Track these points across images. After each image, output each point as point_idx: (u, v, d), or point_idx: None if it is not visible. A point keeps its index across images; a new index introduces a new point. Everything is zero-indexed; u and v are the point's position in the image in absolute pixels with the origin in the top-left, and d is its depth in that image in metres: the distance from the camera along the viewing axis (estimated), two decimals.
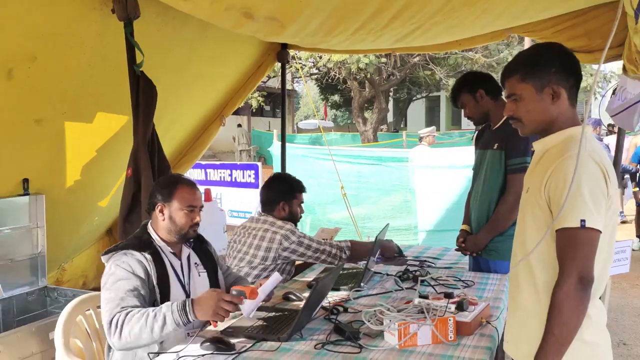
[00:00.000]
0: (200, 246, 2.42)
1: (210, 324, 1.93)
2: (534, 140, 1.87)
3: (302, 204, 3.11)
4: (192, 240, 2.36)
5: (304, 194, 3.10)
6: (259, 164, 8.13)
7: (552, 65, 1.68)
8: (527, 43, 6.88)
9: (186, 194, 2.25)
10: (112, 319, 1.99)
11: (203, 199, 2.39)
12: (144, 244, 2.21)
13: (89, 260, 4.68)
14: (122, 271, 2.09)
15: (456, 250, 3.18)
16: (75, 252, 4.51)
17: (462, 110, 3.16)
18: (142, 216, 2.93)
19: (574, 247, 1.55)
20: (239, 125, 20.20)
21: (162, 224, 2.25)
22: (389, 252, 3.24)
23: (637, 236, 7.21)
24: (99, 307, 2.43)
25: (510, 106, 1.77)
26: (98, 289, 2.83)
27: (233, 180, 7.97)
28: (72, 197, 3.84)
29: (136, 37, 2.91)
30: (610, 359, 1.70)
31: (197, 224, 2.28)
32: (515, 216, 2.78)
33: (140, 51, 2.96)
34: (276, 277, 2.14)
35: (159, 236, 2.27)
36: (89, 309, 2.39)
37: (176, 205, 2.23)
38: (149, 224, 2.31)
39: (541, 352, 1.58)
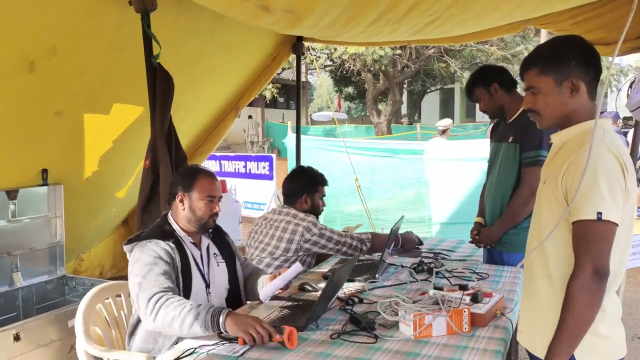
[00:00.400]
0: (219, 237, 2.46)
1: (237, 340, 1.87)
2: (549, 133, 1.86)
3: (324, 197, 3.13)
4: (210, 230, 2.39)
5: (325, 187, 3.12)
6: (274, 155, 8.15)
7: (572, 58, 1.67)
8: (544, 35, 6.81)
9: (206, 184, 2.29)
10: (153, 297, 2.01)
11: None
12: (167, 233, 2.24)
13: (105, 250, 4.76)
14: (149, 257, 2.13)
15: (470, 242, 3.18)
16: (92, 243, 4.58)
17: (477, 104, 3.16)
18: (161, 206, 2.97)
19: (590, 239, 1.55)
20: (250, 117, 20.21)
21: (182, 214, 2.29)
22: (410, 244, 3.24)
23: None
24: (118, 295, 2.49)
25: (528, 99, 1.76)
26: (114, 278, 2.88)
27: (247, 171, 8.01)
28: (89, 188, 3.90)
29: (153, 29, 2.93)
30: (624, 353, 1.71)
31: (217, 214, 2.32)
32: (529, 209, 2.79)
33: (158, 43, 2.99)
34: (297, 267, 2.17)
35: (179, 226, 2.30)
36: (108, 298, 2.43)
37: (196, 195, 2.27)
38: (169, 214, 2.35)
39: (555, 343, 1.59)
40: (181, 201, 2.28)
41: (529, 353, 1.82)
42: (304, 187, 3.03)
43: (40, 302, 3.61)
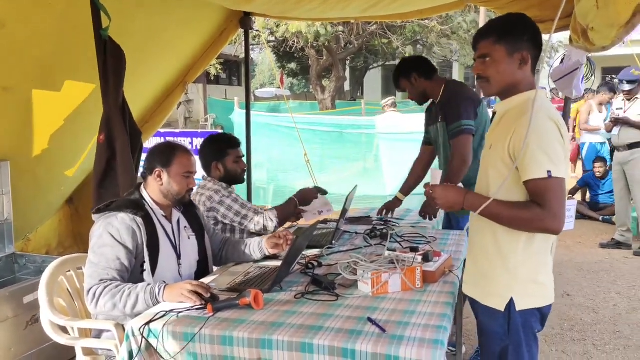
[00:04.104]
0: (189, 210, 2.52)
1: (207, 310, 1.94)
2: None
3: (242, 158, 3.06)
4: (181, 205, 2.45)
5: (238, 148, 3.05)
6: (220, 131, 8.10)
7: (525, 33, 1.83)
8: (482, 11, 7.07)
9: (185, 160, 2.35)
10: (90, 289, 2.12)
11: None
12: (137, 205, 2.28)
13: (51, 229, 4.67)
14: (109, 238, 2.18)
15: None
16: (40, 222, 4.48)
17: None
18: (120, 182, 2.97)
19: (547, 193, 1.73)
20: (185, 93, 19.63)
21: (158, 189, 2.33)
22: (309, 195, 3.14)
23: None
24: (79, 268, 2.51)
25: (479, 66, 1.90)
26: (62, 255, 2.86)
27: (194, 148, 7.93)
28: (39, 166, 3.82)
29: (102, 2, 2.89)
30: (553, 297, 1.93)
31: (192, 189, 2.39)
32: (462, 176, 3.02)
33: (107, 15, 2.95)
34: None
35: (152, 199, 2.35)
36: (69, 270, 2.45)
37: (175, 171, 2.32)
38: (142, 186, 2.38)
39: (477, 198, 1.86)
40: (159, 176, 2.32)
41: (471, 302, 2.01)
42: (210, 156, 3.01)
43: None
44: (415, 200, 3.48)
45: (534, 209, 1.76)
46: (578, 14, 2.89)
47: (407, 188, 3.54)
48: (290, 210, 3.04)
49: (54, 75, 3.28)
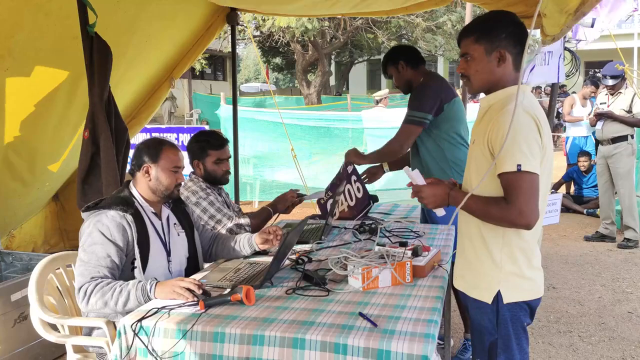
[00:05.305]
0: (178, 207, 2.51)
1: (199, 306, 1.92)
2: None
3: (226, 160, 3.00)
4: (170, 201, 2.44)
5: (221, 150, 2.97)
6: (207, 127, 8.06)
7: (503, 32, 1.84)
8: (468, 7, 7.09)
9: (172, 155, 2.34)
10: (82, 287, 2.12)
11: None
12: (126, 203, 2.27)
13: (37, 226, 4.64)
14: (99, 236, 2.17)
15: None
16: (25, 218, 4.44)
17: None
18: (103, 178, 2.95)
19: (514, 187, 1.76)
20: (173, 87, 19.39)
21: (147, 185, 2.32)
22: (287, 202, 3.17)
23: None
24: (68, 266, 2.50)
25: (462, 65, 1.93)
26: (49, 253, 2.84)
27: (180, 143, 7.89)
28: (19, 161, 3.77)
29: None
30: (542, 293, 1.97)
31: (181, 184, 2.38)
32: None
33: (94, 11, 2.93)
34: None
35: (141, 196, 2.34)
36: (59, 268, 2.44)
37: (163, 166, 2.31)
38: (131, 183, 2.37)
39: (460, 194, 1.89)
40: (147, 172, 2.31)
41: (459, 296, 2.03)
42: (192, 154, 2.98)
43: None
44: (403, 195, 3.51)
45: (501, 204, 1.78)
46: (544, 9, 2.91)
47: (394, 164, 3.57)
48: (263, 218, 3.04)
49: (28, 64, 3.24)
